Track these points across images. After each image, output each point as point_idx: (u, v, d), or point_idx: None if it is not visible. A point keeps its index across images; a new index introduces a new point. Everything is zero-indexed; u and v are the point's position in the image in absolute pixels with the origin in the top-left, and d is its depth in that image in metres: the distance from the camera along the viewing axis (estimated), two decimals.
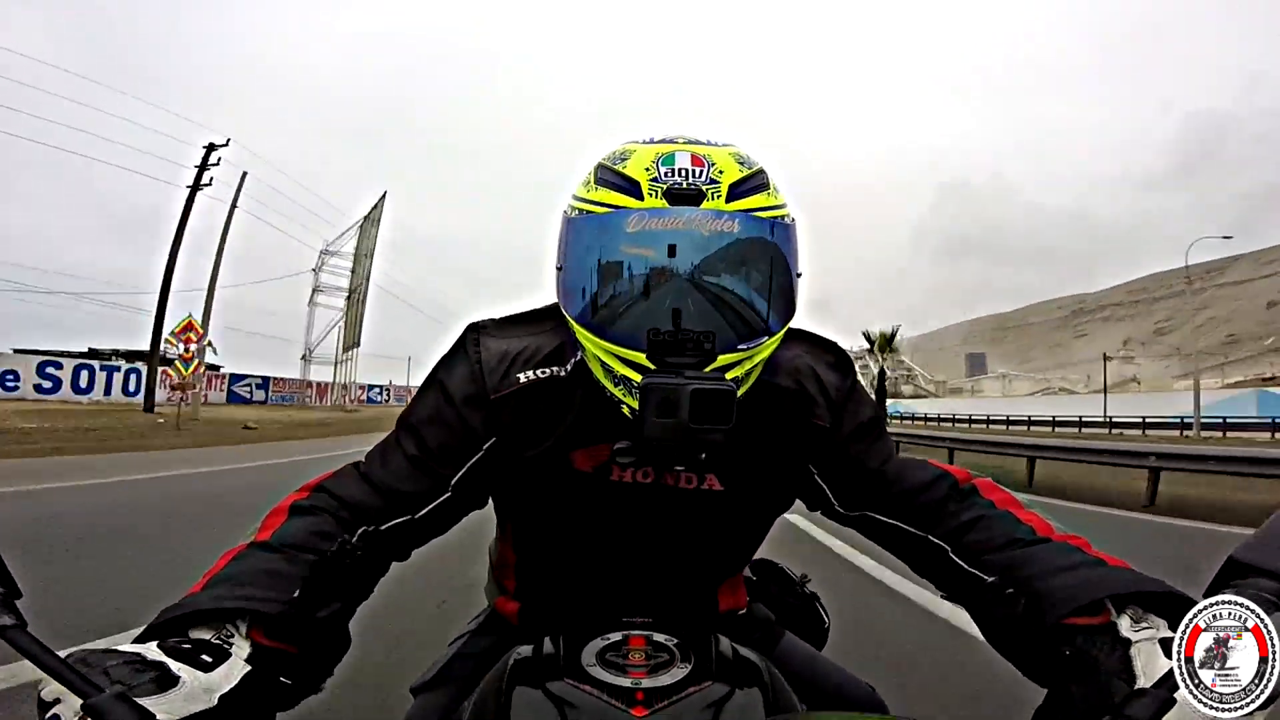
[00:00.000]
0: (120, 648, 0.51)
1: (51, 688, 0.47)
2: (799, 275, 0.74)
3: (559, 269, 0.75)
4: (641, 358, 0.67)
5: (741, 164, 0.72)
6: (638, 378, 0.66)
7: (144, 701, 0.47)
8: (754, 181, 0.71)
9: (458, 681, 0.86)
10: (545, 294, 0.83)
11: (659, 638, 0.68)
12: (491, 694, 0.64)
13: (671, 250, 0.67)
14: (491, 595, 0.99)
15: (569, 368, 0.78)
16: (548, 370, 0.78)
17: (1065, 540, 0.68)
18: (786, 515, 0.90)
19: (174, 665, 0.51)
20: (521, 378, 0.77)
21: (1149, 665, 0.52)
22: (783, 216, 0.72)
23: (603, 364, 0.71)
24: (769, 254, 0.70)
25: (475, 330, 0.82)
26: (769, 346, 0.72)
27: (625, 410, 0.71)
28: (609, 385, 0.72)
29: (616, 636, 0.68)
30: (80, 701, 0.45)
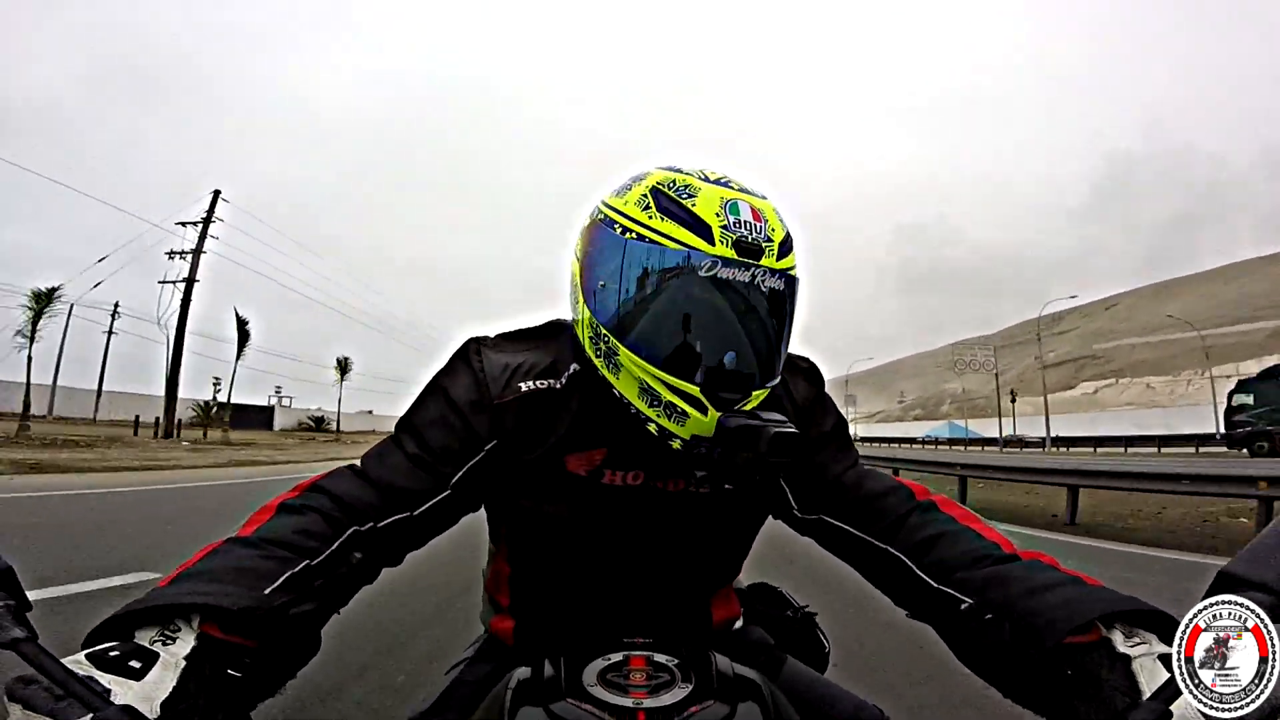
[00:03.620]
0: (57, 663, 0.47)
1: (31, 691, 0.45)
2: None
3: (602, 285, 0.77)
4: (695, 390, 0.73)
5: (782, 222, 0.79)
6: (686, 406, 0.73)
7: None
8: (790, 241, 0.79)
9: (457, 708, 0.84)
10: (536, 314, 0.88)
11: (659, 658, 0.68)
12: (493, 715, 0.63)
13: (737, 299, 0.74)
14: (486, 618, 0.99)
15: (564, 380, 0.82)
16: (545, 382, 0.82)
17: (1034, 557, 0.68)
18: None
19: (103, 678, 0.48)
20: (523, 386, 0.81)
21: (1152, 680, 0.52)
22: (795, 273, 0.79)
23: (645, 386, 0.75)
24: (792, 308, 0.78)
25: (476, 343, 0.86)
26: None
27: (652, 428, 0.76)
28: (642, 405, 0.76)
29: (617, 657, 0.68)
30: (91, 715, 0.45)
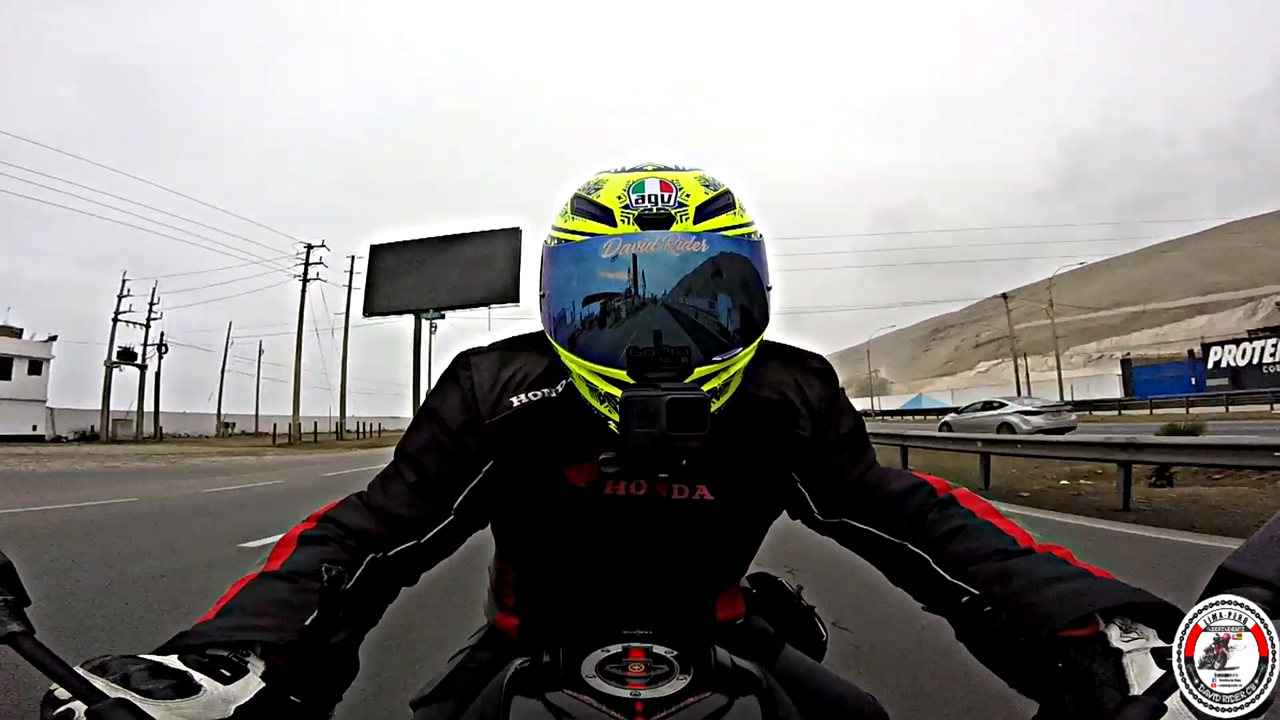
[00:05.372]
0: (142, 655, 0.52)
1: (58, 694, 0.48)
2: (769, 288, 0.77)
3: (542, 296, 0.77)
4: (623, 375, 0.70)
5: (707, 186, 0.75)
6: (619, 393, 0.69)
7: (162, 705, 0.48)
8: (720, 202, 0.75)
9: (457, 694, 0.85)
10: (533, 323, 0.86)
11: (658, 649, 0.68)
12: (490, 704, 0.64)
13: (645, 271, 0.70)
14: (491, 613, 0.99)
15: (559, 389, 0.80)
16: (539, 392, 0.80)
17: (1048, 551, 0.68)
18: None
19: (196, 675, 0.52)
20: (514, 401, 0.79)
21: (1142, 675, 0.52)
22: (749, 234, 0.76)
23: (588, 383, 0.73)
24: (738, 269, 0.73)
25: (465, 358, 0.84)
26: (744, 357, 0.74)
27: (611, 426, 0.73)
28: (595, 403, 0.74)
29: (616, 648, 0.68)
30: (85, 707, 0.46)
